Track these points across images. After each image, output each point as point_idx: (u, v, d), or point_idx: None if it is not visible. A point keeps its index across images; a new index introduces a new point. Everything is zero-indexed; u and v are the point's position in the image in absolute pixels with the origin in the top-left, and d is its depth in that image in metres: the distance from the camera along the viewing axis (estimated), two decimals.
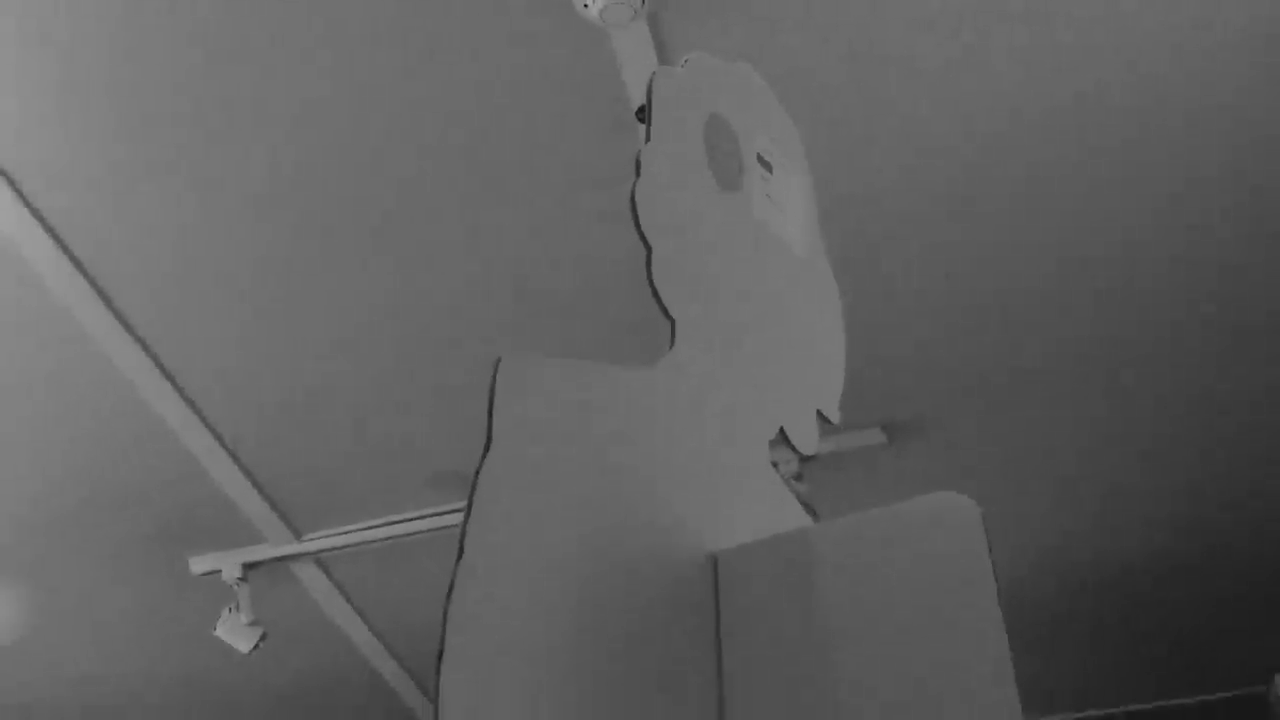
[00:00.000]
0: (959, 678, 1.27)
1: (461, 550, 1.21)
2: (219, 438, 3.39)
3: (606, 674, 1.26)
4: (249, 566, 3.78)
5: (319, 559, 3.85)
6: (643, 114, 1.48)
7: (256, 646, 3.77)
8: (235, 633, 3.77)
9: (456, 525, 1.20)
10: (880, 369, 3.37)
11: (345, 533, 3.76)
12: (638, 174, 1.44)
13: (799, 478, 3.35)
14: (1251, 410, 3.56)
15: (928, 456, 3.63)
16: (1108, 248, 3.08)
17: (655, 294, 1.41)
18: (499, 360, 1.24)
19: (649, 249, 1.42)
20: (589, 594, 1.29)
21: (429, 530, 3.69)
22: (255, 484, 3.55)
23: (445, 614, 1.19)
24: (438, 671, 1.18)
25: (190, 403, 3.28)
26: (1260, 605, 4.35)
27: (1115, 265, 3.13)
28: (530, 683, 1.23)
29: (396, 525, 3.71)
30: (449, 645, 1.17)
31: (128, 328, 3.06)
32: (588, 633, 1.27)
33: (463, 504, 1.21)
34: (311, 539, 3.76)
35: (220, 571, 3.78)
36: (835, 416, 1.64)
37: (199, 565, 3.79)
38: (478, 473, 1.23)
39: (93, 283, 2.93)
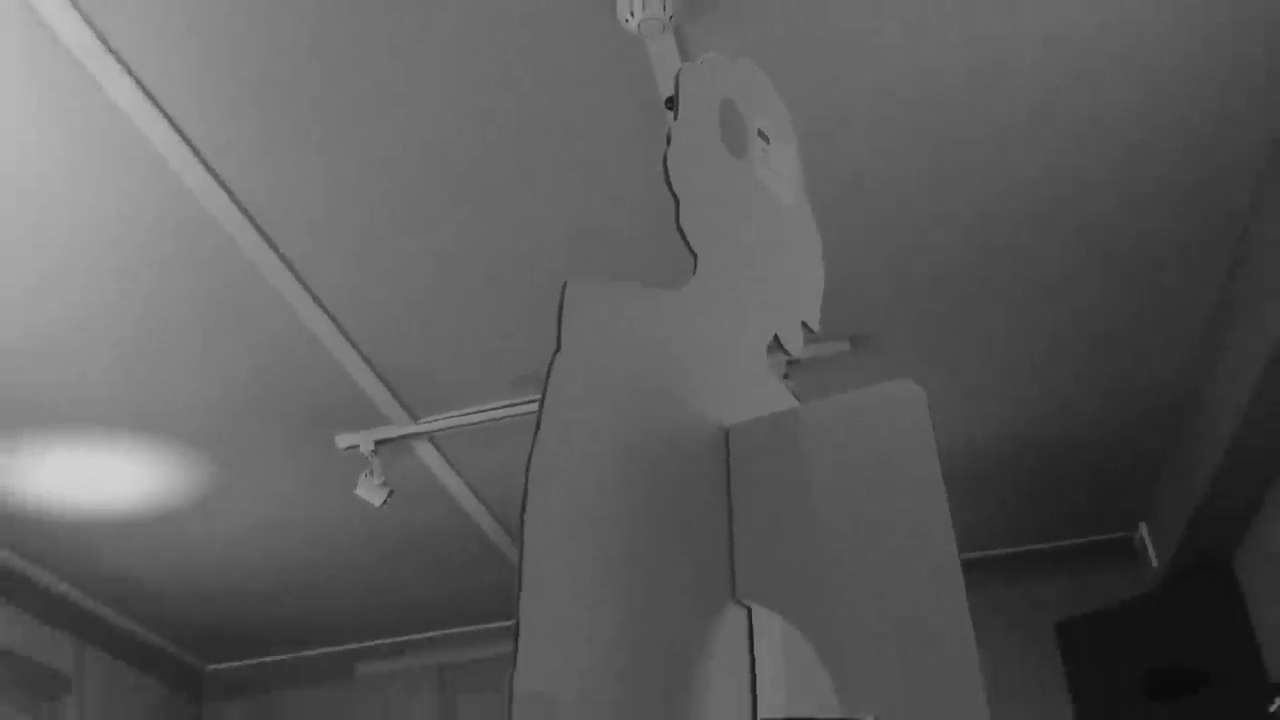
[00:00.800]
0: (909, 521, 1.27)
1: (538, 427, 1.22)
2: (356, 346, 3.41)
3: (645, 524, 1.27)
4: (380, 442, 3.80)
5: (432, 437, 3.87)
6: (671, 102, 1.48)
7: (385, 502, 3.81)
8: (370, 492, 3.80)
9: (535, 412, 1.21)
10: (847, 290, 3.35)
11: (452, 417, 3.78)
12: (668, 144, 1.44)
13: (786, 377, 3.35)
14: (1141, 327, 3.55)
15: (883, 361, 3.62)
16: (1046, 175, 3.04)
17: (681, 233, 1.41)
18: (565, 283, 1.24)
19: (677, 200, 1.42)
20: (633, 460, 1.29)
21: (515, 416, 3.71)
22: (384, 380, 3.57)
23: (527, 475, 1.19)
24: (522, 519, 1.18)
25: (334, 318, 3.29)
26: (1130, 461, 4.35)
27: (1042, 194, 3.10)
28: (587, 526, 1.23)
29: (491, 412, 3.73)
30: (530, 498, 1.18)
31: (283, 258, 3.06)
32: (632, 490, 1.28)
33: (539, 395, 1.22)
34: (427, 421, 3.78)
35: (358, 446, 3.81)
36: (816, 327, 1.64)
37: (342, 442, 3.81)
38: (549, 369, 1.23)
39: (253, 220, 2.93)
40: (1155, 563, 4.60)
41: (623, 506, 1.25)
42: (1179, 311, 3.49)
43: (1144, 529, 4.72)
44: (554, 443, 1.20)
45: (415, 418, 3.76)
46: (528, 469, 1.17)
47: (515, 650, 1.13)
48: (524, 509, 1.15)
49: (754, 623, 1.35)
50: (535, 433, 1.21)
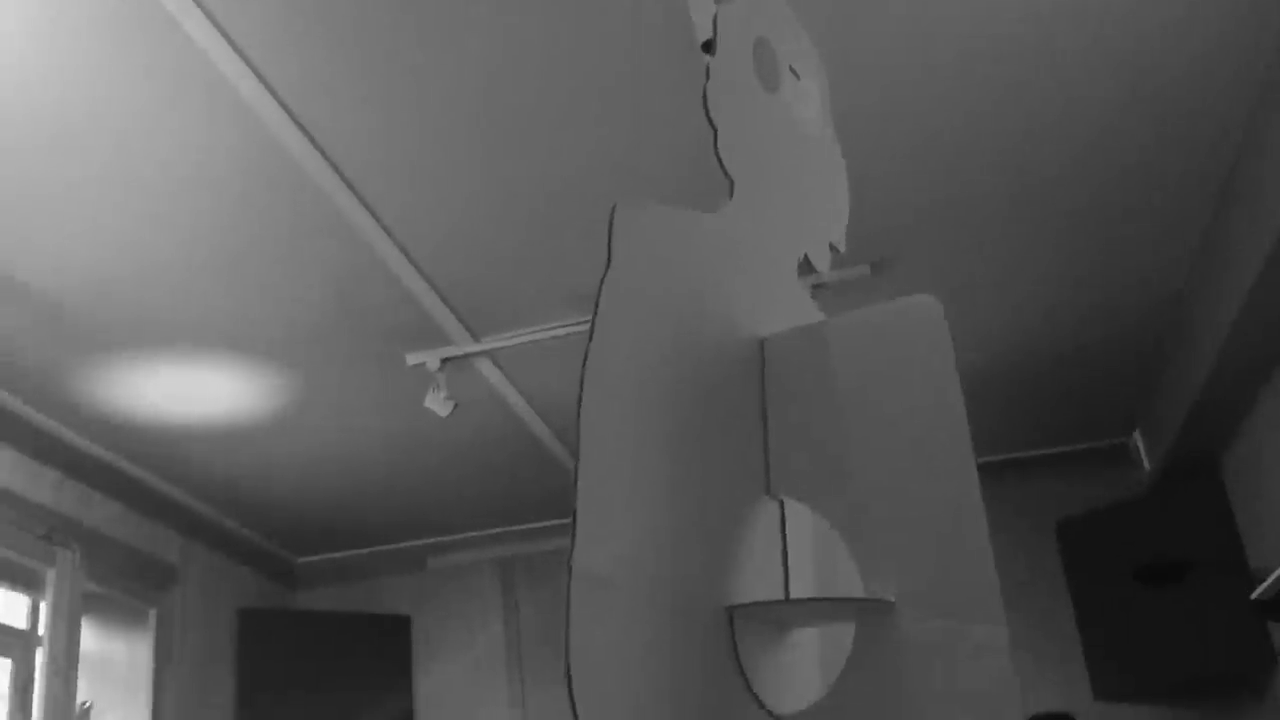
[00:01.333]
0: (929, 419, 1.26)
1: (591, 336, 1.21)
2: (423, 272, 3.41)
3: (688, 422, 1.27)
4: (445, 360, 3.81)
5: (493, 354, 3.88)
6: (709, 45, 1.45)
7: (450, 413, 3.84)
8: (437, 404, 3.83)
9: (588, 328, 1.21)
10: (867, 216, 3.31)
11: (512, 336, 3.78)
12: (707, 78, 1.41)
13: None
14: (1138, 233, 3.50)
15: (902, 284, 3.58)
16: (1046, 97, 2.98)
17: (719, 160, 1.39)
18: (615, 206, 1.23)
19: (715, 130, 1.40)
20: (677, 365, 1.29)
21: (570, 335, 3.71)
22: (449, 303, 3.58)
23: (582, 378, 1.19)
24: (578, 416, 1.18)
25: (402, 246, 3.29)
26: (1125, 371, 4.30)
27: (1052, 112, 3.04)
28: (635, 424, 1.24)
29: (548, 331, 3.73)
30: (584, 398, 1.18)
31: (354, 189, 3.05)
32: (676, 392, 1.27)
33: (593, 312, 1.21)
34: (488, 340, 3.79)
35: (426, 363, 3.82)
36: (842, 247, 1.63)
37: (411, 359, 3.83)
38: (600, 284, 1.22)
39: (325, 154, 2.91)
40: (1148, 466, 4.58)
41: (667, 406, 1.25)
42: (1178, 215, 3.41)
43: (1138, 435, 4.69)
44: (605, 349, 1.20)
45: (477, 337, 3.77)
46: (583, 372, 1.17)
47: (573, 534, 1.14)
48: (579, 407, 1.15)
49: (785, 512, 1.36)
50: (589, 341, 1.21)
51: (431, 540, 5.35)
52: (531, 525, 5.29)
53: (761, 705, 1.27)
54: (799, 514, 1.37)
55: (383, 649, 5.20)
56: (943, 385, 1.25)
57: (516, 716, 5.10)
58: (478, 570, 5.35)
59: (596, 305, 1.21)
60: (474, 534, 5.33)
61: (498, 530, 5.33)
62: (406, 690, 5.16)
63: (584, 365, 1.19)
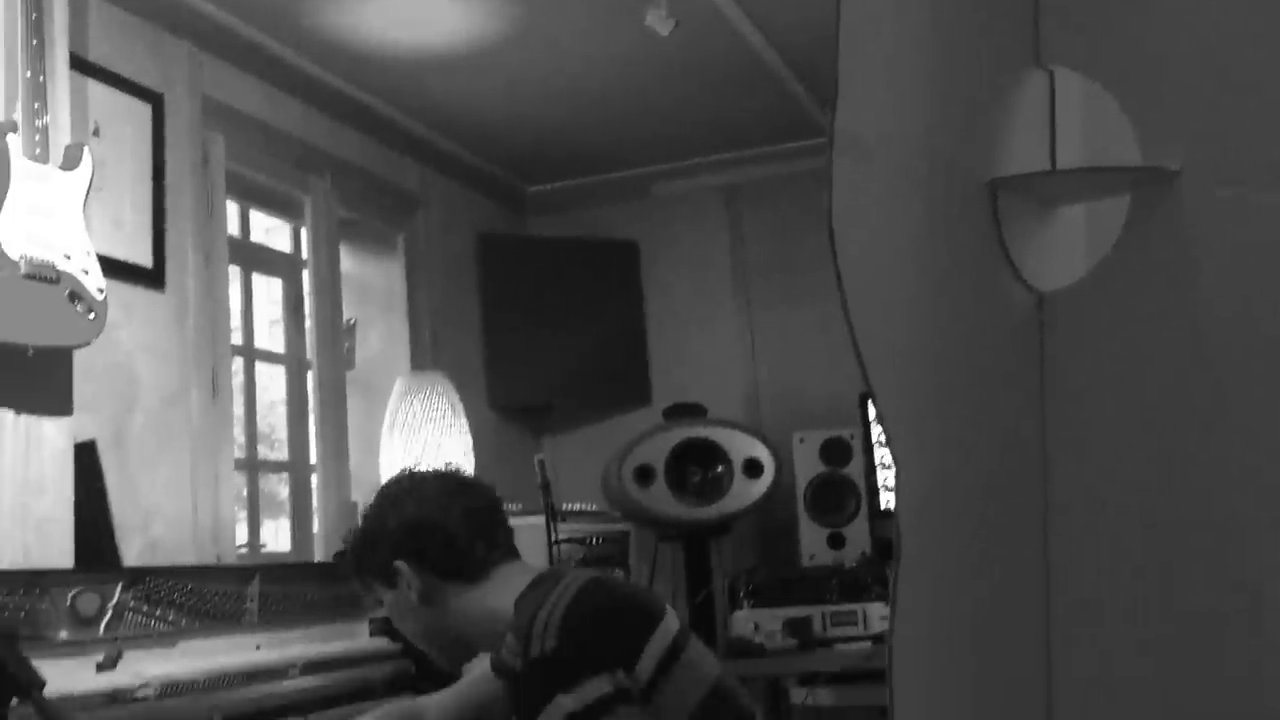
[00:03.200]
0: None
1: None
2: None
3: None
4: None
5: None
6: None
7: (671, 32, 3.74)
8: (658, 23, 3.74)
9: None
10: None
11: None
12: None
13: None
14: None
15: None
16: None
17: None
18: None
19: None
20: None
21: None
22: None
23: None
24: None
25: None
26: None
27: None
28: None
29: None
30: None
31: None
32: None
33: None
34: None
35: None
36: None
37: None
38: None
39: None
40: None
41: None
42: None
43: None
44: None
45: None
46: None
47: (834, 102, 1.09)
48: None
49: (1055, 81, 1.25)
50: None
51: (657, 167, 5.37)
52: (758, 150, 5.22)
53: (1022, 281, 1.23)
54: (1070, 82, 1.26)
55: (612, 274, 5.38)
56: None
57: (744, 338, 5.26)
58: (703, 196, 5.37)
59: None
60: (699, 160, 5.31)
61: (723, 156, 5.29)
62: (637, 313, 5.37)
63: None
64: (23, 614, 2.36)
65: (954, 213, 1.18)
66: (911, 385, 1.13)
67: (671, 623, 2.10)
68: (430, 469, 2.39)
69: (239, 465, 3.86)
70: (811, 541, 4.52)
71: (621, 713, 1.94)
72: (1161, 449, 1.17)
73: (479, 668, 2.41)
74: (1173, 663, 1.10)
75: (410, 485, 2.31)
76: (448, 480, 2.32)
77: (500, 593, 2.19)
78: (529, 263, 5.29)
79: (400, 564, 2.22)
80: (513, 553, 2.29)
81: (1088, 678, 1.12)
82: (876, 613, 4.05)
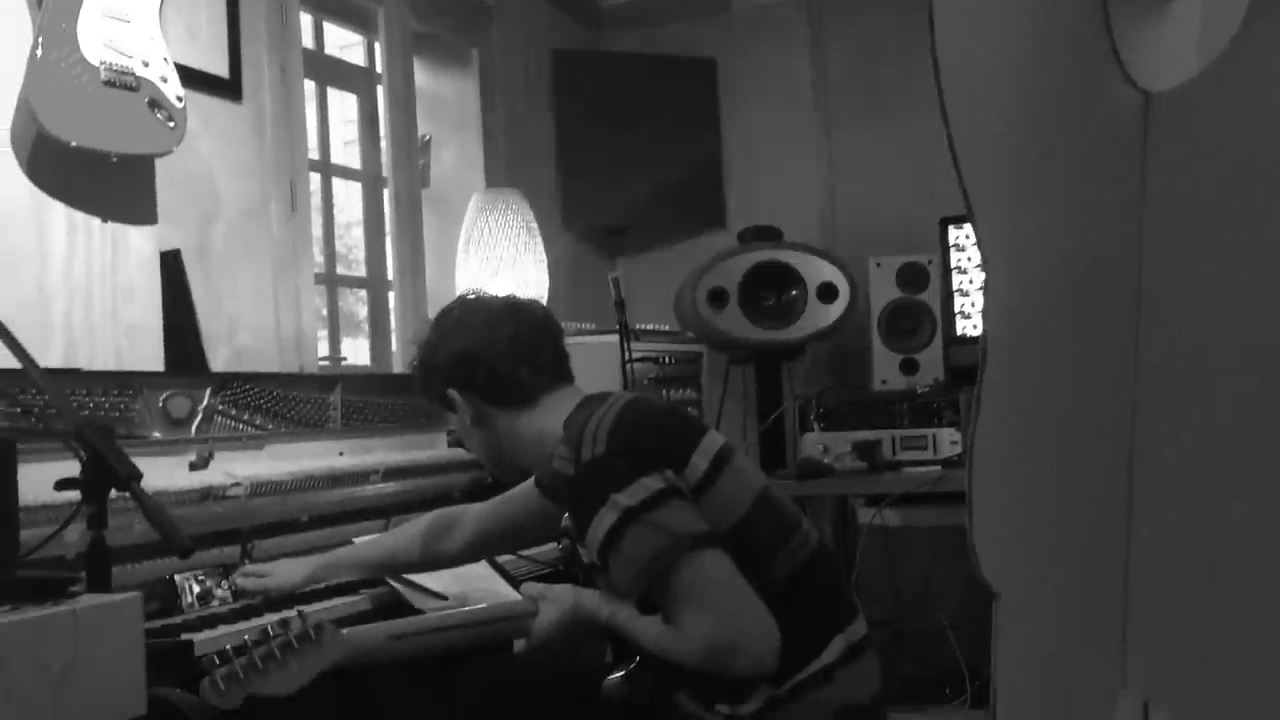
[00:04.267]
0: None
1: None
2: None
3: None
4: None
5: None
6: None
7: None
8: None
9: None
10: None
11: None
12: None
13: None
14: None
15: None
16: None
17: None
18: None
19: None
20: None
21: None
22: None
23: None
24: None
25: None
26: None
27: None
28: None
29: None
30: None
31: None
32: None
33: None
34: None
35: None
36: None
37: None
38: None
39: None
40: None
41: None
42: None
43: None
44: None
45: None
46: None
47: None
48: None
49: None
50: None
51: None
52: None
53: (1130, 80, 1.17)
54: None
55: (689, 91, 5.26)
56: None
57: (822, 161, 5.15)
58: (785, 11, 5.18)
59: None
60: None
61: None
62: (714, 132, 5.27)
63: None
64: (117, 414, 2.45)
65: (1062, 5, 1.12)
66: (1008, 187, 1.10)
67: (716, 435, 2.19)
68: (483, 294, 2.41)
69: (318, 280, 3.92)
70: (884, 366, 4.51)
71: (675, 504, 2.00)
72: (1263, 258, 1.12)
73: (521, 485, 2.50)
74: (1251, 488, 1.07)
75: (460, 315, 2.33)
76: (497, 308, 2.33)
77: (550, 416, 2.25)
78: (604, 80, 5.18)
79: (452, 392, 2.29)
80: (564, 377, 2.33)
81: (1168, 494, 1.10)
82: (946, 438, 4.06)
